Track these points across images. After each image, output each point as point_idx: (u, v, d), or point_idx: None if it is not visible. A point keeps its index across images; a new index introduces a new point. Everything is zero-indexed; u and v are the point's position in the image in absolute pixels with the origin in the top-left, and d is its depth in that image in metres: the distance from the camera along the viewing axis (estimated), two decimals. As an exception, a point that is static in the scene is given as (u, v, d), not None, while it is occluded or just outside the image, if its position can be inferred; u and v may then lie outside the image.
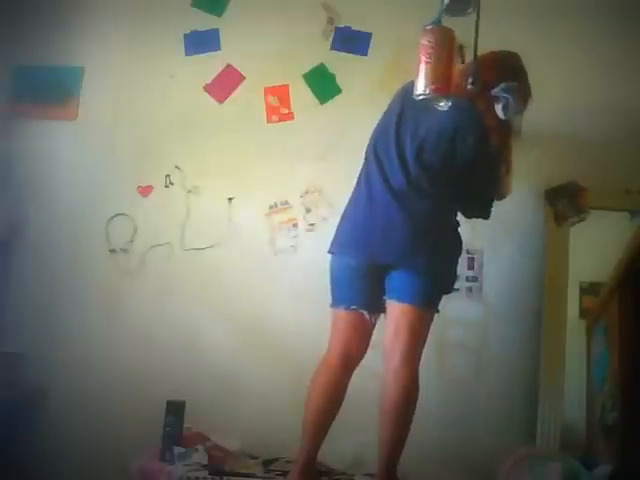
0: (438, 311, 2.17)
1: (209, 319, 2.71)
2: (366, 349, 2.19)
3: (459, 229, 2.23)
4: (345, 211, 2.24)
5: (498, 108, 2.08)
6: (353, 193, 2.24)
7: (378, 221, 2.11)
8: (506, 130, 2.13)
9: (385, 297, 2.15)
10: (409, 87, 2.21)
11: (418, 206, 2.11)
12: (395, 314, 2.12)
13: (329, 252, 2.22)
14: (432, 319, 2.16)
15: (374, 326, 2.19)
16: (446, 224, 2.17)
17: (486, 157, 2.12)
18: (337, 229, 2.23)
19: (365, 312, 2.16)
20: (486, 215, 2.26)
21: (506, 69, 2.12)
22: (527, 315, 2.58)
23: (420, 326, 2.12)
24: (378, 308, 2.17)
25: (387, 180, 2.14)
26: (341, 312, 2.18)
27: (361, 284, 2.15)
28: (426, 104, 2.07)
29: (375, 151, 2.21)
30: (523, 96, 2.13)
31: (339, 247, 2.20)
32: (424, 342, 2.15)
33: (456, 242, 2.21)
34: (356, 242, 2.15)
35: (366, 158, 2.24)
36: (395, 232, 2.09)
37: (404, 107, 2.18)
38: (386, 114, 2.25)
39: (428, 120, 2.11)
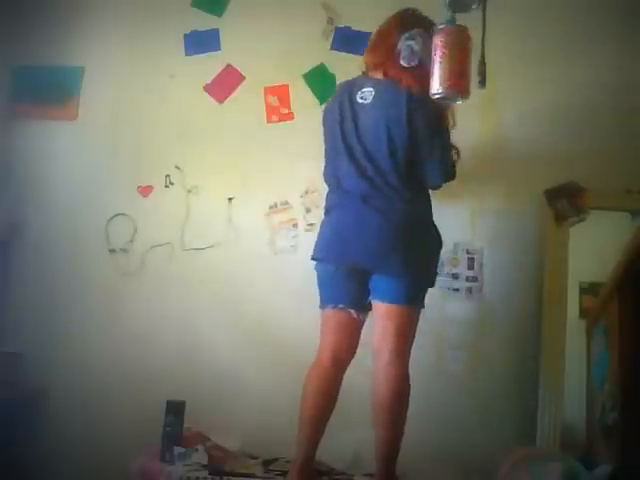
0: (423, 306, 2.18)
1: (209, 319, 2.71)
2: (356, 346, 2.21)
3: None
4: (322, 220, 2.27)
5: (402, 59, 2.13)
6: (325, 204, 2.27)
7: (352, 227, 2.13)
8: (424, 77, 2.09)
9: (370, 297, 2.17)
10: (340, 90, 2.29)
11: (387, 207, 2.11)
12: (380, 314, 2.14)
13: (312, 259, 2.23)
14: (418, 315, 2.17)
15: (363, 323, 2.21)
16: (419, 218, 2.17)
17: (425, 115, 2.11)
18: (317, 236, 2.25)
19: (352, 310, 2.18)
20: (452, 174, 2.22)
21: (406, 24, 2.17)
22: (527, 315, 2.58)
23: (406, 324, 2.13)
24: (365, 306, 2.19)
25: (349, 190, 2.16)
26: (329, 312, 2.20)
27: (345, 284, 2.17)
28: (355, 104, 2.17)
29: (331, 164, 2.26)
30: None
31: (319, 254, 2.22)
32: (412, 338, 2.16)
33: (433, 236, 2.21)
34: (334, 249, 2.17)
35: (324, 172, 2.29)
36: (369, 237, 2.10)
37: (342, 113, 2.21)
38: (327, 124, 2.30)
39: (362, 116, 2.16)
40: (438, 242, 2.22)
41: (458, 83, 1.70)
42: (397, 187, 2.12)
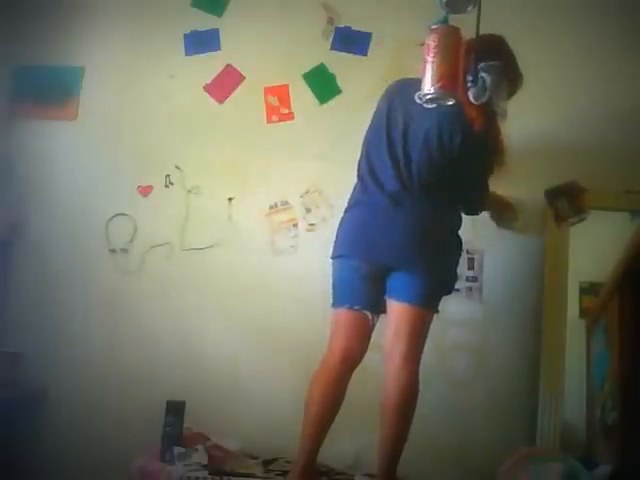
0: (438, 311, 2.17)
1: (209, 319, 2.71)
2: (366, 349, 2.19)
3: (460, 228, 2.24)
4: (344, 217, 2.24)
5: (470, 91, 1.93)
6: (350, 198, 2.25)
7: (378, 224, 2.12)
8: (488, 114, 2.06)
9: (386, 296, 2.16)
10: (395, 87, 2.24)
11: (417, 208, 2.11)
12: (395, 313, 2.13)
13: (332, 257, 2.22)
14: (432, 319, 2.16)
15: (374, 326, 2.19)
16: (446, 225, 2.17)
17: (476, 148, 2.09)
18: (337, 234, 2.23)
19: (367, 312, 2.16)
20: (476, 213, 2.27)
21: (484, 51, 1.92)
22: (527, 315, 2.58)
23: (420, 326, 2.13)
24: (379, 308, 2.18)
25: (382, 185, 2.15)
26: (343, 312, 2.18)
27: (363, 285, 2.15)
28: (411, 104, 2.06)
29: (368, 156, 2.22)
30: (508, 77, 2.07)
31: (340, 250, 2.20)
32: (424, 342, 2.15)
33: (456, 243, 2.21)
34: (357, 245, 2.16)
35: (359, 164, 2.24)
36: (395, 235, 2.09)
37: (390, 108, 2.18)
38: (375, 117, 2.25)
39: (414, 121, 2.12)
40: (460, 249, 2.22)
41: (450, 84, 1.68)
42: (429, 193, 2.11)
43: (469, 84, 1.93)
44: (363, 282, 2.15)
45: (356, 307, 2.16)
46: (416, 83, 2.15)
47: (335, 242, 2.23)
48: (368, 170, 2.19)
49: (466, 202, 2.24)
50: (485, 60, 1.94)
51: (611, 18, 2.66)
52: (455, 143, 2.07)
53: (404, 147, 2.13)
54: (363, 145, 2.26)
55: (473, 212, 2.31)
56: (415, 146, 2.12)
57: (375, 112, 2.26)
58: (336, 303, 2.20)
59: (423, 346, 2.15)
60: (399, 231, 2.09)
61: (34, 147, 2.86)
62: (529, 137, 2.65)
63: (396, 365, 2.08)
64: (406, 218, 2.10)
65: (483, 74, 1.95)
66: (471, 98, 1.96)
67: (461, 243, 2.22)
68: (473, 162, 2.12)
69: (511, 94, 2.14)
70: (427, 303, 2.12)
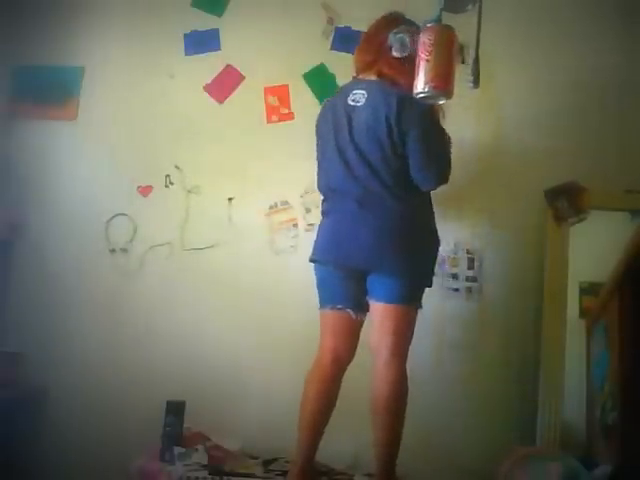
0: (421, 306, 2.17)
1: (209, 319, 2.71)
2: (356, 347, 2.21)
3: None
4: (321, 221, 2.26)
5: (394, 51, 2.13)
6: (321, 207, 2.27)
7: (346, 230, 2.13)
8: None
9: (367, 297, 2.17)
10: (329, 100, 2.29)
11: (382, 208, 2.11)
12: (378, 314, 2.14)
13: (310, 260, 2.24)
14: (416, 314, 2.17)
15: (362, 324, 2.21)
16: (416, 219, 2.15)
17: (415, 119, 2.08)
18: (316, 238, 2.25)
19: (350, 311, 2.18)
20: (444, 178, 2.17)
21: (393, 21, 2.18)
22: (527, 315, 2.58)
23: (403, 323, 2.13)
24: (363, 307, 2.19)
25: (341, 191, 2.16)
26: (327, 312, 2.21)
27: (343, 285, 2.18)
28: (347, 106, 2.15)
29: (322, 168, 2.26)
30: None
31: (316, 255, 2.22)
32: (410, 338, 2.16)
33: (430, 236, 2.20)
34: (330, 251, 2.17)
35: (317, 180, 2.27)
36: (364, 238, 2.10)
37: (334, 116, 2.21)
38: (318, 132, 2.29)
39: (355, 118, 2.15)
40: (435, 242, 2.21)
41: (443, 83, 1.69)
42: (391, 188, 2.11)
43: (390, 47, 2.14)
44: (342, 282, 2.18)
45: (339, 306, 2.18)
46: (346, 87, 2.23)
47: (313, 246, 2.24)
48: (327, 186, 2.23)
49: (429, 172, 2.13)
50: (395, 27, 2.15)
51: (609, 18, 2.67)
52: (393, 124, 2.07)
53: (355, 151, 2.14)
54: (318, 164, 2.28)
55: (441, 179, 2.17)
56: (363, 146, 2.12)
57: (317, 128, 2.30)
58: (320, 304, 2.23)
59: (409, 342, 2.16)
60: (365, 234, 2.10)
61: (34, 147, 2.86)
62: (529, 137, 2.65)
63: (382, 362, 2.10)
64: (372, 221, 2.10)
65: (398, 35, 2.13)
66: (395, 54, 2.12)
67: (436, 234, 2.20)
68: (420, 131, 2.09)
69: None
70: (406, 300, 2.13)
